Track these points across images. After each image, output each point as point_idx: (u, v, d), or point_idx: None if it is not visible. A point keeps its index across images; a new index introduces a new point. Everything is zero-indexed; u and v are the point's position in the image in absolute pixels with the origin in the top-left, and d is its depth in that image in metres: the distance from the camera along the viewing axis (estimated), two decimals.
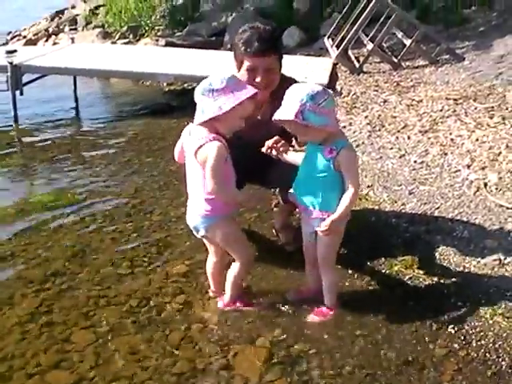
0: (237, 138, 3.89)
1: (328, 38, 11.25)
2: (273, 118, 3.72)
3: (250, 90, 3.68)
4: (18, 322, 4.09)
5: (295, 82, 4.25)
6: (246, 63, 4.31)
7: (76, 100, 10.57)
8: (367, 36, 10.40)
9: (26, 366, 3.66)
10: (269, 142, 4.10)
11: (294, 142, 4.43)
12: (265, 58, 4.26)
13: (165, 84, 11.22)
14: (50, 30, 16.06)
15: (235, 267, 4.04)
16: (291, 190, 3.99)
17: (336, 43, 10.56)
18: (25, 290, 4.46)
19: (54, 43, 14.41)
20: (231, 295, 4.11)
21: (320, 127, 3.59)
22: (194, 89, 9.79)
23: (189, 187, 3.94)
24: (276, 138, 4.12)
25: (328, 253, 3.96)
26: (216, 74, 3.72)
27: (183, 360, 3.67)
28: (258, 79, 4.30)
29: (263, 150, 4.12)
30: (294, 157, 4.05)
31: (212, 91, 3.63)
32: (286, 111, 3.60)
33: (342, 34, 10.61)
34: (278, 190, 5.03)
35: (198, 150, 3.70)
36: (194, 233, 4.02)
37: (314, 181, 3.80)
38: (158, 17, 14.03)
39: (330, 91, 3.77)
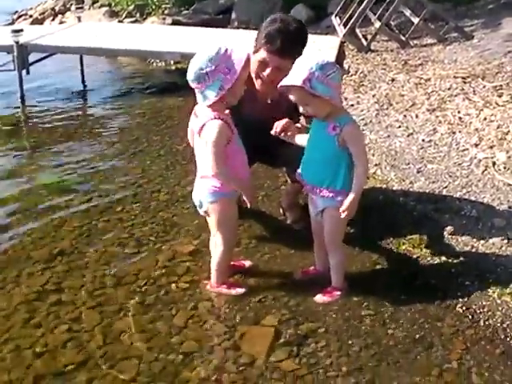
0: (247, 118, 3.86)
1: (335, 16, 11.19)
2: (279, 85, 3.68)
3: (242, 57, 3.62)
4: (25, 300, 4.09)
5: None
6: (262, 54, 4.26)
7: (83, 79, 10.47)
8: (375, 14, 10.33)
9: (33, 345, 3.67)
10: (277, 124, 4.06)
11: (302, 120, 4.38)
12: (279, 59, 4.19)
13: (172, 63, 11.17)
14: (57, 8, 15.98)
15: (218, 251, 4.04)
16: (298, 170, 3.97)
17: (343, 21, 10.50)
18: (32, 268, 4.47)
19: (61, 22, 14.33)
20: (217, 277, 4.11)
21: (326, 97, 3.55)
22: None
23: (197, 165, 3.93)
24: (285, 120, 4.07)
25: (334, 232, 3.94)
26: (201, 55, 3.61)
27: (190, 340, 3.67)
28: (265, 73, 4.27)
29: (272, 132, 4.08)
30: (302, 139, 4.01)
31: (206, 75, 3.57)
32: (294, 77, 3.57)
33: (349, 13, 10.54)
34: (285, 170, 5.02)
35: (201, 129, 3.70)
36: (198, 208, 4.02)
37: (319, 159, 3.80)
38: None
39: (338, 66, 3.73)
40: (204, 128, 3.68)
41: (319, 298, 3.99)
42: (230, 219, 3.96)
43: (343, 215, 3.70)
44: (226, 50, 3.63)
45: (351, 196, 3.66)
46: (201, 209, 4.00)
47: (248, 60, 3.67)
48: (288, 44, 4.19)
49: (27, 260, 4.59)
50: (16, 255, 4.66)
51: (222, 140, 3.66)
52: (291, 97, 3.72)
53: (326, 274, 4.08)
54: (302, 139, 4.01)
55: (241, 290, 4.09)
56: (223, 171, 3.67)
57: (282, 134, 4.07)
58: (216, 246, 4.05)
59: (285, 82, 3.64)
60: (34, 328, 3.83)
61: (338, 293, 4.00)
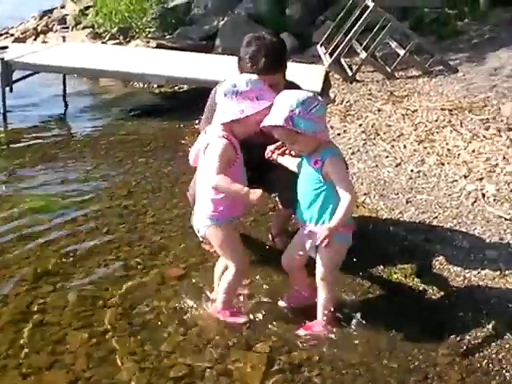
0: (241, 141, 3.82)
1: (321, 45, 11.21)
2: (261, 125, 3.63)
3: (272, 97, 3.62)
4: (11, 320, 4.01)
5: (298, 87, 4.25)
6: None
7: (65, 100, 10.37)
8: (360, 44, 10.37)
9: (19, 366, 3.59)
10: (271, 147, 4.02)
11: None
12: (270, 76, 4.13)
13: (155, 86, 11.10)
14: (39, 28, 15.90)
15: (229, 274, 3.93)
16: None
17: (329, 51, 10.53)
18: (17, 288, 4.38)
19: (43, 42, 14.24)
20: (224, 302, 3.99)
21: (310, 134, 3.51)
22: (184, 92, 9.70)
23: (198, 187, 3.88)
24: (278, 143, 4.02)
25: (328, 270, 3.81)
26: (241, 76, 3.72)
27: (181, 364, 3.60)
28: None
29: (265, 155, 4.03)
30: (294, 163, 3.94)
31: (236, 93, 3.58)
32: (275, 117, 3.52)
33: (335, 42, 10.57)
34: (276, 195, 4.97)
35: (206, 147, 3.66)
36: (197, 233, 3.94)
37: (307, 194, 3.72)
38: (149, 19, 13.89)
39: (321, 98, 3.66)
40: (209, 145, 3.65)
41: (301, 332, 3.89)
42: (231, 242, 3.86)
43: (323, 246, 3.59)
44: (264, 85, 3.67)
45: (328, 224, 3.56)
46: (199, 233, 3.92)
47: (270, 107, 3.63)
48: (271, 59, 4.16)
49: (12, 279, 4.50)
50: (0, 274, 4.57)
51: (225, 157, 3.61)
52: (276, 135, 3.68)
53: (311, 300, 3.99)
54: (294, 163, 3.94)
55: (242, 320, 4.00)
56: (223, 180, 3.54)
57: (274, 156, 4.01)
58: (227, 269, 3.96)
59: (267, 122, 3.57)
60: (20, 348, 3.74)
61: (321, 329, 3.88)
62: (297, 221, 3.91)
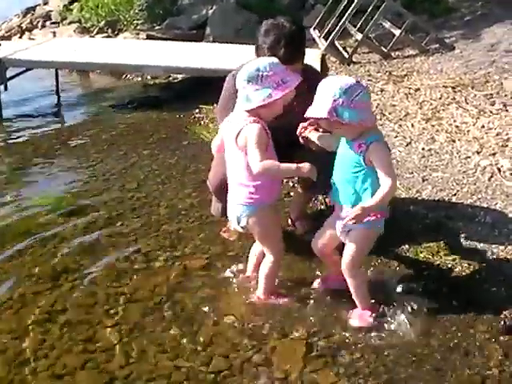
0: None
1: (314, 29, 11.12)
2: (305, 115, 3.55)
3: (297, 78, 3.57)
4: (36, 320, 3.92)
5: (315, 70, 4.20)
6: None
7: (58, 96, 10.14)
8: (354, 26, 10.30)
9: (51, 367, 3.52)
10: (304, 124, 3.91)
11: None
12: (289, 66, 3.94)
13: (149, 77, 11.01)
14: (24, 26, 15.73)
15: (268, 261, 3.89)
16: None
17: (323, 34, 10.45)
18: (36, 288, 4.30)
19: (30, 39, 14.09)
20: (265, 289, 3.96)
21: (355, 123, 3.41)
22: (179, 82, 9.56)
23: (229, 177, 3.80)
24: (309, 121, 3.94)
25: (357, 255, 3.73)
26: (261, 60, 3.62)
27: (218, 357, 3.54)
28: None
29: (297, 131, 3.93)
30: (328, 140, 3.84)
31: (260, 77, 3.49)
32: (319, 108, 3.42)
33: (328, 26, 10.49)
34: (298, 178, 4.90)
35: (238, 135, 3.57)
36: (235, 224, 3.85)
37: (346, 177, 3.62)
38: (136, 11, 13.76)
39: (364, 83, 3.59)
40: (241, 133, 3.56)
41: (355, 323, 3.79)
42: (272, 228, 3.83)
43: (347, 220, 3.49)
44: (286, 68, 3.61)
45: (363, 203, 3.46)
46: (239, 224, 3.81)
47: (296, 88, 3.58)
48: (291, 49, 4.08)
49: (28, 279, 4.41)
50: (18, 273, 4.49)
51: (262, 141, 3.53)
52: (321, 125, 3.65)
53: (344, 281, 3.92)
54: (327, 140, 3.83)
55: (287, 300, 3.99)
56: (270, 164, 3.48)
57: (306, 132, 3.91)
58: (265, 257, 3.92)
59: (311, 113, 3.49)
60: (49, 349, 3.66)
61: (369, 313, 3.80)
62: (334, 203, 3.82)
